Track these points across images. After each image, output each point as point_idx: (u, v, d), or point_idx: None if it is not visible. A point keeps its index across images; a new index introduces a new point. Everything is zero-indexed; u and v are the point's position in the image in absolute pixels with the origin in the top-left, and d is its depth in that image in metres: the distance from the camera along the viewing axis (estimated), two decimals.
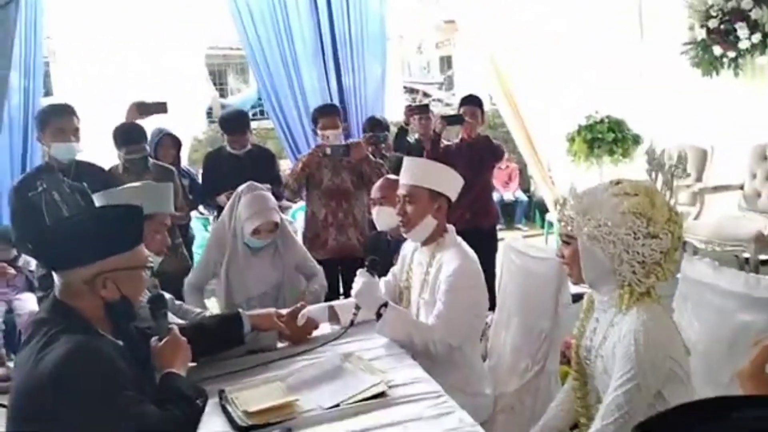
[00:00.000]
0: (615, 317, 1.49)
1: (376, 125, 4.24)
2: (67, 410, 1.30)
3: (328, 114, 3.50)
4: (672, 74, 4.64)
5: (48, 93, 6.07)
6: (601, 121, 4.91)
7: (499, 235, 4.16)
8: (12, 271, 3.78)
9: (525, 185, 8.06)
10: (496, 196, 7.66)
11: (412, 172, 2.15)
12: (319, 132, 3.46)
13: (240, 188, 2.67)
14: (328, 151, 3.31)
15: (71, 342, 1.34)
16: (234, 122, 3.71)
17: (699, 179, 4.52)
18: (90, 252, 1.44)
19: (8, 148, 4.28)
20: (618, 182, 1.50)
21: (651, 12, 4.75)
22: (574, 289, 1.98)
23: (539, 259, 2.21)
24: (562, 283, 2.07)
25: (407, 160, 2.21)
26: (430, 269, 2.11)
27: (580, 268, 1.51)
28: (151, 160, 3.43)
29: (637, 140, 4.94)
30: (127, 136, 3.33)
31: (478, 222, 3.84)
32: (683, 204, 4.48)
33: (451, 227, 2.19)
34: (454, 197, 2.20)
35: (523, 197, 7.91)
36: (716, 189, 4.42)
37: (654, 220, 1.42)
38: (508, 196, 7.87)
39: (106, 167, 3.32)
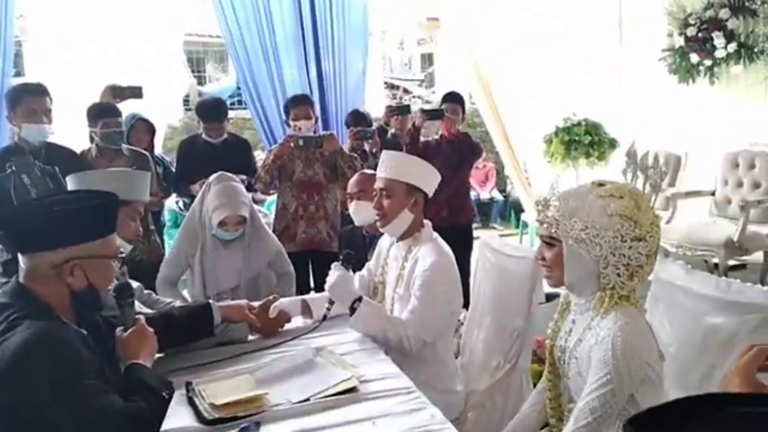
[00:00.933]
0: (593, 320, 1.48)
1: (360, 119, 4.17)
2: (26, 399, 1.26)
3: (300, 104, 3.44)
4: (649, 80, 4.71)
5: (19, 74, 5.90)
6: (579, 123, 4.97)
7: (475, 233, 4.17)
8: None
9: (501, 185, 8.12)
10: (472, 195, 7.73)
11: (390, 165, 2.13)
12: (291, 123, 3.40)
13: (211, 178, 2.61)
14: (301, 142, 3.25)
15: (32, 328, 1.30)
16: (211, 110, 3.65)
17: (672, 184, 4.59)
18: (62, 236, 1.39)
19: None
20: (601, 184, 1.49)
21: (631, 18, 4.81)
22: (548, 289, 1.98)
23: (514, 257, 2.21)
24: (536, 282, 2.07)
25: (385, 154, 2.19)
26: (406, 264, 2.10)
27: (561, 271, 1.50)
28: (125, 146, 3.35)
29: (613, 144, 5.01)
30: (102, 109, 3.23)
31: (454, 219, 3.84)
32: (657, 208, 4.55)
33: (427, 222, 2.18)
34: (431, 192, 2.18)
35: (499, 197, 7.96)
36: (688, 194, 4.49)
37: (640, 223, 1.41)
38: (485, 196, 7.92)
39: (78, 151, 3.24)
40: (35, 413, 1.26)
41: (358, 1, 4.83)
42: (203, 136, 3.61)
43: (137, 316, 1.62)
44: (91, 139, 3.36)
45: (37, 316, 1.35)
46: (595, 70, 4.90)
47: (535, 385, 1.97)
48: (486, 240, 2.52)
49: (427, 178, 2.16)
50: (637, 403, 1.40)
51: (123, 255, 1.95)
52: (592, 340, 1.45)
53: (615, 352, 1.37)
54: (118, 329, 1.58)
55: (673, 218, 4.40)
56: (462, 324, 2.49)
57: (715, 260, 3.98)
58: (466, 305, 2.49)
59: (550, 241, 1.51)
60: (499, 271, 2.28)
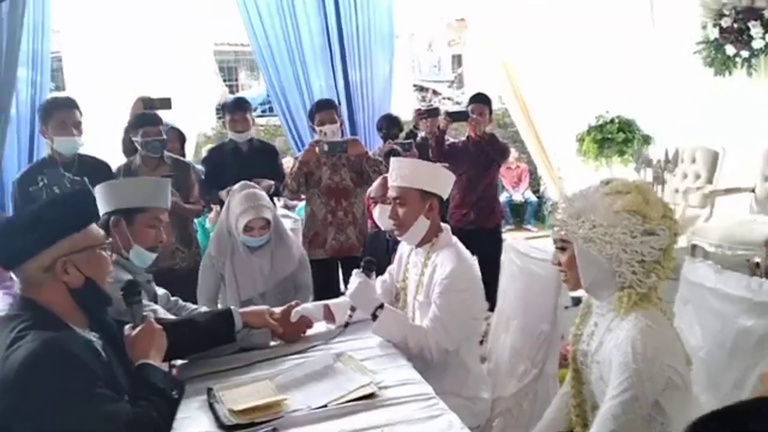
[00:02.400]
0: (612, 322, 1.45)
1: (392, 124, 4.16)
2: (33, 410, 1.27)
3: (324, 109, 3.45)
4: (684, 74, 4.56)
5: (59, 88, 6.09)
6: (611, 121, 4.85)
7: (508, 235, 4.11)
8: None
9: (535, 186, 8.00)
10: (505, 197, 7.65)
11: (400, 173, 2.10)
12: (316, 128, 3.42)
13: (234, 186, 2.65)
14: (326, 147, 3.26)
15: (38, 340, 1.31)
16: (234, 102, 3.74)
17: (710, 181, 4.44)
18: (36, 241, 1.41)
19: (16, 141, 4.30)
20: (608, 182, 1.46)
21: (663, 10, 4.67)
22: (578, 292, 1.94)
23: (540, 260, 2.16)
24: (562, 285, 2.02)
25: (394, 161, 2.16)
26: (425, 270, 2.08)
27: (577, 273, 1.47)
28: (167, 154, 3.41)
29: (647, 141, 4.88)
30: (144, 118, 3.27)
31: (482, 222, 3.81)
32: (693, 206, 4.41)
33: (446, 226, 2.15)
34: (445, 194, 2.16)
35: (533, 198, 7.85)
36: (727, 191, 4.33)
37: (649, 217, 1.38)
38: (518, 197, 7.82)
39: (113, 162, 3.31)
40: (42, 425, 1.28)
41: (383, 5, 4.83)
42: (229, 135, 3.66)
43: (145, 314, 1.63)
44: (137, 143, 3.41)
45: (43, 325, 1.36)
46: (627, 65, 4.78)
47: None
48: (511, 242, 2.48)
49: (440, 180, 2.13)
50: (662, 408, 1.35)
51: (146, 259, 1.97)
52: (611, 343, 1.41)
53: (635, 356, 1.32)
54: (127, 327, 1.59)
55: (712, 217, 4.25)
56: (490, 328, 2.45)
57: (757, 259, 3.82)
58: (493, 309, 2.46)
59: (562, 245, 1.48)
60: (525, 274, 2.24)
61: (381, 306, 1.97)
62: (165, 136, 3.27)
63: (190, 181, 3.29)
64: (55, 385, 1.28)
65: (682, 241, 3.61)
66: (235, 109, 3.62)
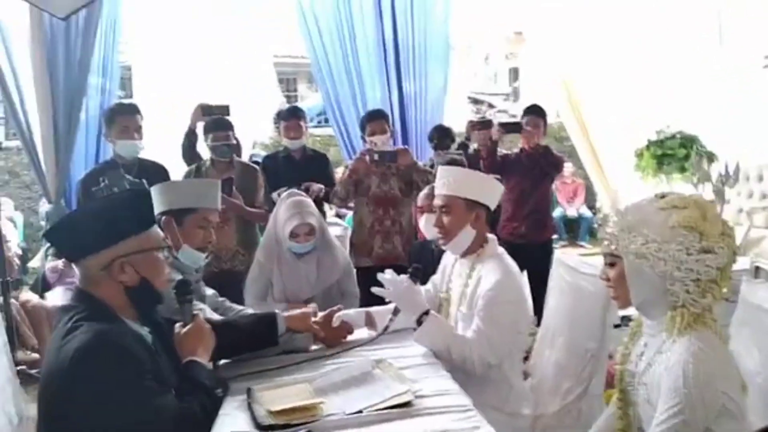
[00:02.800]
0: (664, 344, 1.38)
1: (443, 134, 4.15)
2: (85, 399, 1.32)
3: (376, 119, 3.49)
4: (753, 87, 4.36)
5: (128, 96, 6.38)
6: (673, 136, 4.68)
7: (560, 252, 4.00)
8: None
9: (591, 201, 7.80)
10: (559, 212, 7.48)
11: (447, 181, 2.08)
12: (367, 138, 3.45)
13: (282, 195, 2.70)
14: (376, 156, 3.28)
15: (91, 331, 1.36)
16: (289, 111, 3.82)
17: None
18: (99, 239, 1.46)
19: (84, 146, 4.54)
20: (664, 195, 1.39)
21: (731, 21, 4.48)
22: (629, 310, 1.87)
23: (589, 276, 2.10)
24: (611, 303, 1.96)
25: (441, 170, 2.15)
26: (470, 281, 2.05)
27: (626, 290, 1.41)
28: (237, 158, 3.50)
29: (711, 158, 4.68)
30: (215, 123, 3.38)
31: (534, 236, 3.73)
32: (759, 227, 4.19)
33: (492, 237, 2.12)
34: (493, 205, 2.12)
35: (588, 213, 7.64)
36: None
37: (707, 233, 1.31)
38: (572, 212, 7.64)
39: (172, 167, 3.43)
40: (92, 414, 1.32)
41: (440, 18, 4.84)
42: (283, 141, 3.72)
43: (195, 312, 1.67)
44: (208, 147, 3.51)
45: (97, 317, 1.42)
46: (692, 78, 4.60)
47: None
48: (561, 257, 2.42)
49: (488, 191, 2.10)
50: None
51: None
52: (662, 366, 1.34)
53: (687, 380, 1.26)
54: (177, 325, 1.63)
55: None
56: (534, 341, 2.40)
57: None
58: (540, 324, 2.40)
59: (612, 260, 1.42)
60: (574, 290, 2.18)
61: (427, 312, 1.95)
62: (234, 141, 3.35)
63: (256, 185, 3.37)
64: (106, 375, 1.33)
65: (744, 263, 3.43)
66: (290, 117, 3.70)
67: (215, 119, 3.42)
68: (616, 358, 1.58)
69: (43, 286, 4.32)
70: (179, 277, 1.87)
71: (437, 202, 2.11)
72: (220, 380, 1.59)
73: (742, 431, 1.31)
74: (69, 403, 1.33)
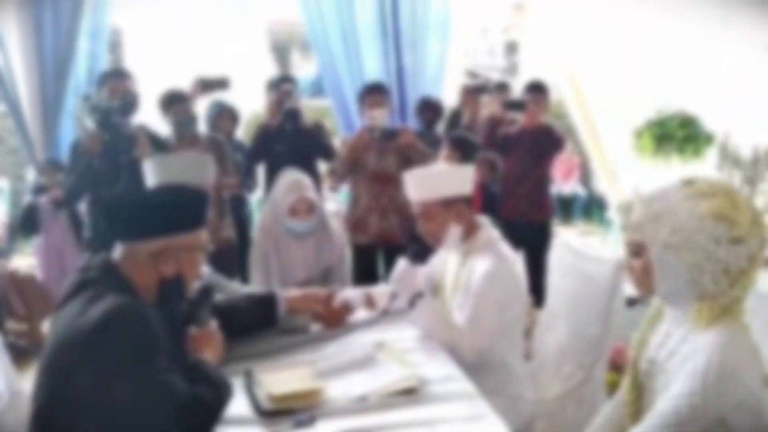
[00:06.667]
0: (690, 334, 1.34)
1: (425, 107, 4.05)
2: (99, 366, 1.31)
3: (375, 92, 3.40)
4: (756, 68, 4.30)
5: (118, 62, 6.23)
6: (673, 116, 4.64)
7: (554, 231, 3.98)
8: None
9: (585, 179, 7.75)
10: (553, 189, 7.43)
11: (416, 187, 2.02)
12: (366, 111, 3.37)
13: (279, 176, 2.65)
14: (378, 134, 3.23)
15: (117, 300, 1.36)
16: (280, 78, 3.73)
17: None
18: (159, 226, 1.47)
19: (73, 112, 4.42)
20: (691, 182, 1.32)
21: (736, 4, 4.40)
22: (630, 293, 1.83)
23: (594, 259, 2.06)
24: (617, 287, 1.93)
25: (407, 177, 2.06)
26: (462, 270, 2.01)
27: (651, 280, 1.35)
28: (202, 131, 3.43)
29: (709, 139, 4.64)
30: (171, 97, 3.30)
31: (533, 215, 3.70)
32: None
33: (484, 221, 2.07)
34: (469, 190, 2.05)
35: (582, 192, 7.61)
36: None
37: (737, 223, 1.25)
38: (566, 190, 7.59)
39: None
40: (105, 383, 1.30)
41: None
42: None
43: (212, 319, 1.65)
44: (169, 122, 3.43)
45: (121, 293, 1.41)
46: (694, 55, 4.53)
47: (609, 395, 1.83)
48: (565, 240, 2.38)
49: (458, 181, 2.03)
50: (728, 429, 1.25)
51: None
52: (685, 356, 1.30)
53: (708, 371, 1.22)
54: (192, 327, 1.61)
55: None
56: (533, 322, 2.38)
57: None
58: (538, 304, 2.37)
59: (636, 249, 1.37)
60: (578, 273, 2.14)
61: (420, 295, 1.91)
62: (193, 114, 3.30)
63: (225, 156, 3.29)
64: (127, 344, 1.32)
65: None
66: (282, 82, 3.61)
67: (171, 93, 3.32)
68: (626, 342, 1.54)
69: (27, 224, 4.12)
70: (205, 280, 1.85)
71: (415, 210, 2.05)
72: (227, 383, 1.54)
73: (759, 425, 1.29)
74: (78, 368, 1.32)
